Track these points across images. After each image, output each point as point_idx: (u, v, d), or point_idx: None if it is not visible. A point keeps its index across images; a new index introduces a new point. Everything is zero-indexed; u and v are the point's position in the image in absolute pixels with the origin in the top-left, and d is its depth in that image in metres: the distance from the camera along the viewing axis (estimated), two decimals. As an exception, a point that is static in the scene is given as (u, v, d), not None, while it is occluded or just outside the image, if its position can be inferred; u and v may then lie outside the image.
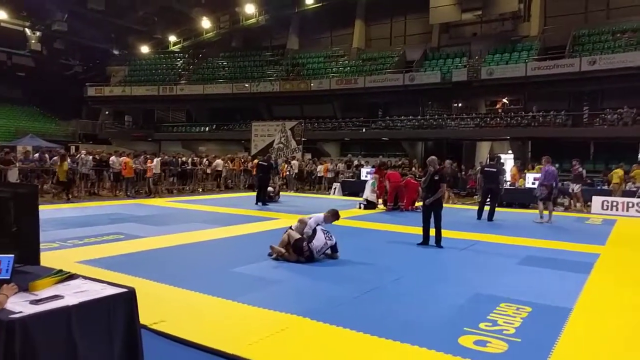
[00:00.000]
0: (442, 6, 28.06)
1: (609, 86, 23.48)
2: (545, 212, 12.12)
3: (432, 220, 8.28)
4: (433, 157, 8.74)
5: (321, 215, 7.14)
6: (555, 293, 5.39)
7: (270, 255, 6.91)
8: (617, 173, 16.18)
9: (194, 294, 4.99)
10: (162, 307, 4.48)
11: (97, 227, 9.27)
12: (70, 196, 14.62)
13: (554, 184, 12.05)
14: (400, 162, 21.57)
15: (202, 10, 36.71)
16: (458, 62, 28.17)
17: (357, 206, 14.45)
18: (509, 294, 5.27)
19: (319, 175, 22.22)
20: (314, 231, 6.84)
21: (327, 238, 6.87)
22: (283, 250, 6.78)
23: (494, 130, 25.57)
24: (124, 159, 16.60)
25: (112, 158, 17.05)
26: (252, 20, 36.49)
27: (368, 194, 14.62)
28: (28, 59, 39.26)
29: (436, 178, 8.29)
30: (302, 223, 7.00)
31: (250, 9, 35.40)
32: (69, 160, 15.16)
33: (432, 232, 8.27)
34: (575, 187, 15.99)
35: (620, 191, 15.86)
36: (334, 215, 7.20)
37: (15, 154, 18.00)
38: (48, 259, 5.33)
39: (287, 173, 22.31)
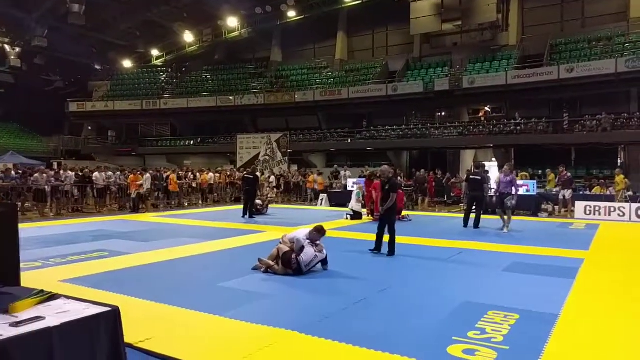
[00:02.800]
0: (423, 17, 28.47)
1: (587, 93, 23.96)
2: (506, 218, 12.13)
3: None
4: (385, 166, 8.76)
5: (306, 231, 7.01)
6: (541, 299, 5.43)
7: (256, 268, 6.86)
8: (621, 178, 16.43)
9: (180, 310, 4.92)
10: (148, 325, 4.41)
11: (81, 244, 9.12)
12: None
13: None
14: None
15: (185, 24, 36.67)
16: (440, 71, 28.53)
17: (344, 217, 14.46)
18: (497, 301, 5.30)
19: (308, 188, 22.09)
20: (303, 245, 6.79)
21: (317, 251, 6.83)
22: (271, 263, 6.76)
23: (478, 138, 25.87)
24: (169, 174, 18.49)
25: (96, 174, 16.84)
26: (235, 34, 36.56)
27: (354, 204, 14.65)
28: (7, 75, 38.65)
29: (387, 187, 8.37)
30: (290, 241, 6.92)
31: (233, 22, 35.46)
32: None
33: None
34: (567, 193, 16.18)
35: (623, 197, 16.05)
36: (319, 231, 6.95)
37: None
38: (30, 278, 5.25)
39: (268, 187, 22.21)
